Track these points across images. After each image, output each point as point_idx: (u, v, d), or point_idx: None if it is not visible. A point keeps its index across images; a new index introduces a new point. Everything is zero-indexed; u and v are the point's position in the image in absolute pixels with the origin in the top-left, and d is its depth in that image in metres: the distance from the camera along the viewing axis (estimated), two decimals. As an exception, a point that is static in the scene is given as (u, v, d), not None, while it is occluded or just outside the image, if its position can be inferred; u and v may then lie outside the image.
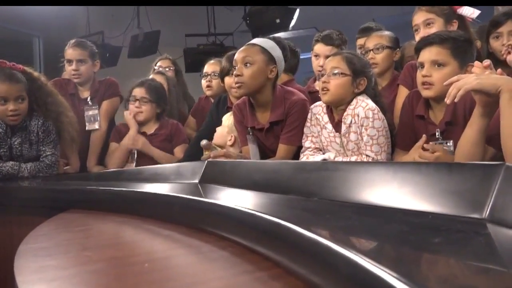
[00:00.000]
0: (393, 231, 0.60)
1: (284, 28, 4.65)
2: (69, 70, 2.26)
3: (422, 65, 1.47)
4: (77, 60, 2.24)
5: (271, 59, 1.74)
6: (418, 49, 1.49)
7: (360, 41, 2.33)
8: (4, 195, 1.53)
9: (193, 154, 1.96)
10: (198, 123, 2.42)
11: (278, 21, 4.51)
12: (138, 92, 2.16)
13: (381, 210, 0.75)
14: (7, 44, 4.95)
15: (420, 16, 1.78)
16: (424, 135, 1.44)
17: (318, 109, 1.69)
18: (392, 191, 0.80)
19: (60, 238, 0.96)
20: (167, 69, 2.64)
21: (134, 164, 2.06)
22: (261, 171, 1.17)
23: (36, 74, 1.93)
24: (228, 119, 1.92)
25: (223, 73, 2.13)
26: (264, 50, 1.73)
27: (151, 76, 2.51)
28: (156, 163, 2.01)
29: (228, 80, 2.08)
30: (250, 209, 0.76)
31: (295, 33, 5.71)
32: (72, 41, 2.29)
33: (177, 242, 0.85)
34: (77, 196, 1.31)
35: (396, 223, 0.64)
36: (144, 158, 2.09)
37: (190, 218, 0.94)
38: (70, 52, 2.25)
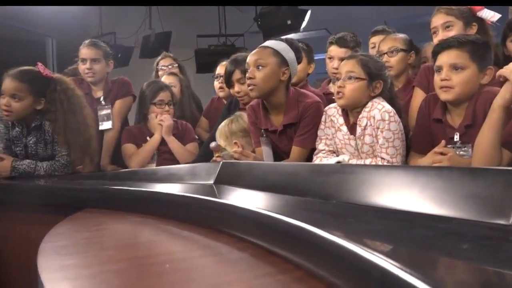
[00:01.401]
0: (419, 236, 0.59)
1: (295, 29, 4.64)
2: (82, 68, 2.28)
3: (440, 69, 1.45)
4: (91, 59, 2.26)
5: (283, 61, 1.74)
6: (436, 53, 1.48)
7: (373, 39, 2.32)
8: (21, 193, 1.55)
9: (206, 154, 1.96)
10: (210, 124, 2.43)
11: (289, 22, 4.50)
12: (166, 96, 2.19)
13: (403, 214, 0.74)
14: (20, 44, 5.01)
15: (439, 18, 1.76)
16: (443, 141, 1.43)
17: (333, 111, 1.68)
18: (413, 195, 0.79)
19: (78, 237, 0.97)
20: (170, 66, 2.65)
21: (155, 164, 2.07)
22: (277, 173, 1.17)
23: (69, 87, 1.93)
24: (222, 129, 1.90)
25: (227, 76, 2.14)
26: (276, 53, 1.73)
27: (163, 78, 2.53)
28: (173, 163, 2.01)
29: (232, 91, 2.10)
30: (271, 212, 0.76)
31: (306, 35, 5.71)
32: (87, 41, 2.32)
33: (196, 243, 0.85)
34: (94, 195, 1.32)
35: (420, 227, 0.64)
36: (162, 158, 2.11)
37: (208, 219, 0.94)
38: (84, 51, 2.28)
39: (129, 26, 4.98)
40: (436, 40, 1.76)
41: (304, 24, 4.67)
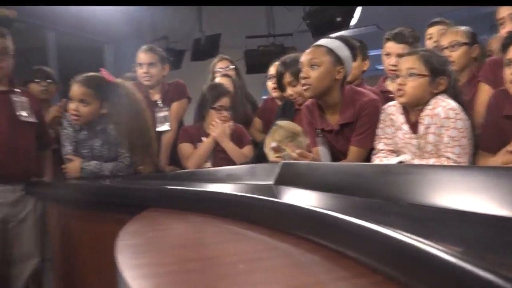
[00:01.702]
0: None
1: (345, 26, 4.56)
2: (140, 73, 2.38)
3: (511, 62, 1.37)
4: (148, 64, 2.36)
5: (338, 59, 1.71)
6: (506, 45, 1.39)
7: (431, 30, 2.24)
8: (89, 192, 1.63)
9: (261, 155, 1.98)
10: (264, 124, 2.44)
11: (338, 19, 4.43)
12: (226, 102, 2.23)
13: (488, 218, 0.70)
14: (79, 50, 5.31)
15: (506, 9, 1.66)
16: None
17: (392, 109, 1.63)
18: (489, 196, 0.75)
19: (149, 236, 1.00)
20: (226, 68, 2.68)
21: (210, 162, 2.12)
22: (341, 173, 1.15)
23: (131, 91, 2.01)
24: (268, 143, 1.88)
25: (278, 79, 2.14)
26: (330, 51, 1.71)
27: (217, 79, 2.58)
28: (229, 164, 2.05)
29: (285, 94, 2.10)
30: (340, 213, 0.74)
31: (355, 31, 5.59)
32: (144, 46, 2.41)
33: (264, 244, 0.85)
34: (157, 195, 1.36)
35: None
36: (217, 158, 2.15)
37: (272, 219, 0.94)
38: (141, 56, 2.38)
39: (180, 30, 5.13)
40: (503, 32, 1.66)
41: (354, 21, 4.58)
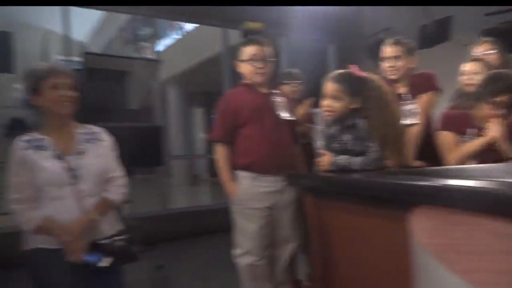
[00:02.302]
0: None
1: None
2: (385, 67, 2.34)
3: None
4: (393, 57, 2.29)
5: None
6: None
7: None
8: (359, 186, 1.66)
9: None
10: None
11: None
12: (507, 98, 1.97)
13: None
14: (305, 52, 5.68)
15: None
16: None
17: None
18: None
19: (453, 236, 0.94)
20: (486, 53, 2.37)
21: (475, 163, 1.92)
22: None
23: (380, 84, 2.00)
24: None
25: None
26: None
27: (467, 66, 2.32)
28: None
29: None
30: None
31: None
32: (390, 39, 2.37)
33: None
34: (430, 192, 1.28)
35: None
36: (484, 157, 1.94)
37: None
38: (386, 50, 2.33)
39: (403, 18, 4.89)
40: None
41: None
